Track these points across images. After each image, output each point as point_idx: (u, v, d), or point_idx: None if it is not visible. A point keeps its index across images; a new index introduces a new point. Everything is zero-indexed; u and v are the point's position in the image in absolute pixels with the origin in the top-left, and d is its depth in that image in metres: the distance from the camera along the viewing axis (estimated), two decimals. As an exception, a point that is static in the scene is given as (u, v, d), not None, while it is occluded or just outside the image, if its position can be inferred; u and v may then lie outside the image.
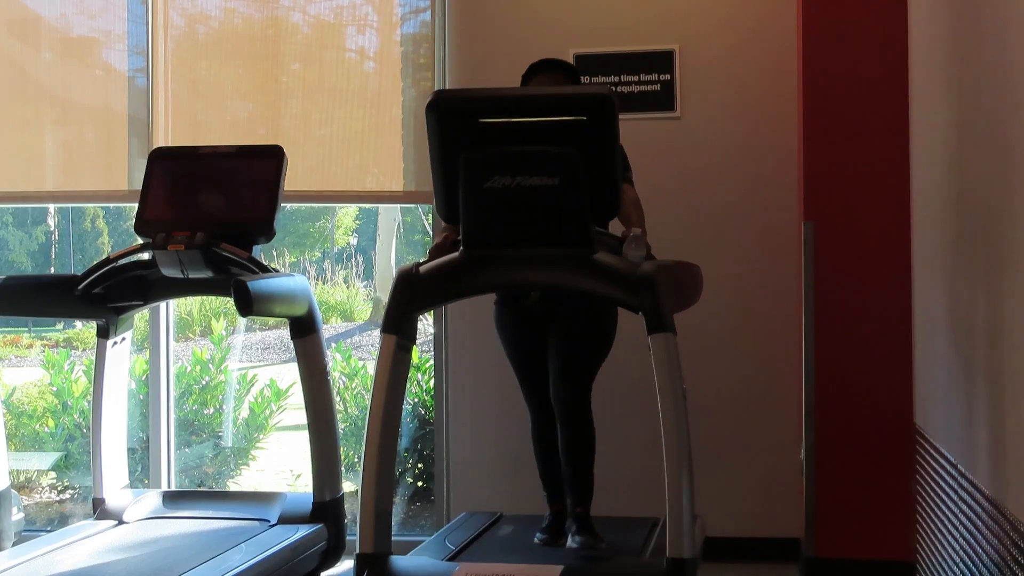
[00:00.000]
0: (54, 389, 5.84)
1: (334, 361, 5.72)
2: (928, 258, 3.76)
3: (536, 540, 3.62)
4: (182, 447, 5.43)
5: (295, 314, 3.79)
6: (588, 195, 2.86)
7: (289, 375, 5.63)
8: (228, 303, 5.32)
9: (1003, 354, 2.68)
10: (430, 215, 5.44)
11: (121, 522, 3.96)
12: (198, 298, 6.24)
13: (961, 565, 3.14)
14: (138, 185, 4.09)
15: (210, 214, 3.88)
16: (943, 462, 3.40)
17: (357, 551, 2.99)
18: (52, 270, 7.11)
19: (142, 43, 4.93)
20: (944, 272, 3.48)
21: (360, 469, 3.01)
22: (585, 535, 3.52)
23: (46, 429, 5.82)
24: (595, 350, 3.61)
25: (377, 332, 3.58)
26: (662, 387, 2.82)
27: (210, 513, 4.04)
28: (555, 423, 3.63)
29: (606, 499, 4.34)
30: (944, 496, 3.39)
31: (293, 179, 4.18)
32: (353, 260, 7.90)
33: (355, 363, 5.82)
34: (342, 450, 4.07)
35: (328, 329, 6.57)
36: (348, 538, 3.97)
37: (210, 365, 5.73)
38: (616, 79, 4.62)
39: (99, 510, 4.01)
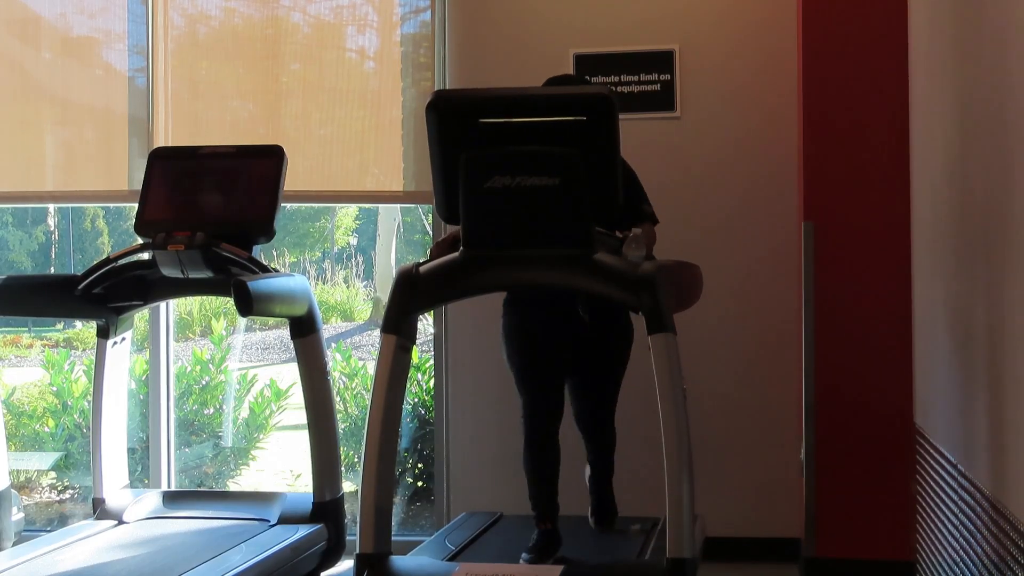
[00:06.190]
0: (54, 389, 5.83)
1: (334, 361, 5.72)
2: (928, 258, 3.76)
3: (522, 560, 3.40)
4: (182, 447, 5.43)
5: (295, 314, 3.79)
6: (588, 195, 2.86)
7: (289, 375, 5.63)
8: (228, 303, 5.32)
9: (1003, 354, 2.68)
10: (430, 215, 5.44)
11: (121, 522, 3.96)
12: (198, 298, 6.24)
13: (961, 565, 3.14)
14: (138, 185, 4.09)
15: (210, 214, 3.88)
16: (943, 462, 3.40)
17: (357, 551, 2.99)
18: (52, 270, 7.10)
19: (142, 43, 4.93)
20: (944, 272, 3.47)
21: (360, 469, 3.01)
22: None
23: (46, 429, 5.81)
24: (623, 365, 3.70)
25: (377, 332, 3.58)
26: (662, 387, 2.82)
27: (210, 513, 4.04)
28: (556, 428, 3.57)
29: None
30: (944, 496, 3.39)
31: (293, 179, 4.18)
32: (353, 260, 7.89)
33: (355, 363, 5.82)
34: (342, 450, 4.07)
35: (328, 329, 6.57)
36: (348, 538, 3.97)
37: (210, 365, 5.73)
38: (616, 79, 4.61)
39: (99, 510, 4.02)
